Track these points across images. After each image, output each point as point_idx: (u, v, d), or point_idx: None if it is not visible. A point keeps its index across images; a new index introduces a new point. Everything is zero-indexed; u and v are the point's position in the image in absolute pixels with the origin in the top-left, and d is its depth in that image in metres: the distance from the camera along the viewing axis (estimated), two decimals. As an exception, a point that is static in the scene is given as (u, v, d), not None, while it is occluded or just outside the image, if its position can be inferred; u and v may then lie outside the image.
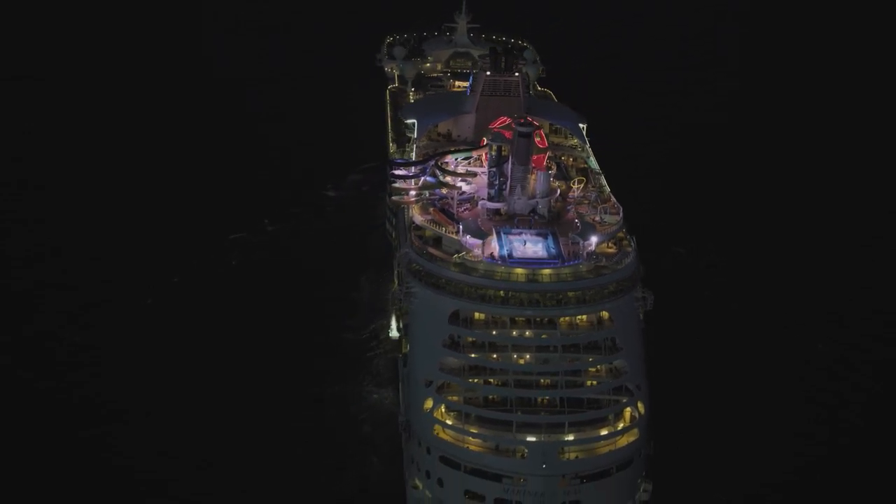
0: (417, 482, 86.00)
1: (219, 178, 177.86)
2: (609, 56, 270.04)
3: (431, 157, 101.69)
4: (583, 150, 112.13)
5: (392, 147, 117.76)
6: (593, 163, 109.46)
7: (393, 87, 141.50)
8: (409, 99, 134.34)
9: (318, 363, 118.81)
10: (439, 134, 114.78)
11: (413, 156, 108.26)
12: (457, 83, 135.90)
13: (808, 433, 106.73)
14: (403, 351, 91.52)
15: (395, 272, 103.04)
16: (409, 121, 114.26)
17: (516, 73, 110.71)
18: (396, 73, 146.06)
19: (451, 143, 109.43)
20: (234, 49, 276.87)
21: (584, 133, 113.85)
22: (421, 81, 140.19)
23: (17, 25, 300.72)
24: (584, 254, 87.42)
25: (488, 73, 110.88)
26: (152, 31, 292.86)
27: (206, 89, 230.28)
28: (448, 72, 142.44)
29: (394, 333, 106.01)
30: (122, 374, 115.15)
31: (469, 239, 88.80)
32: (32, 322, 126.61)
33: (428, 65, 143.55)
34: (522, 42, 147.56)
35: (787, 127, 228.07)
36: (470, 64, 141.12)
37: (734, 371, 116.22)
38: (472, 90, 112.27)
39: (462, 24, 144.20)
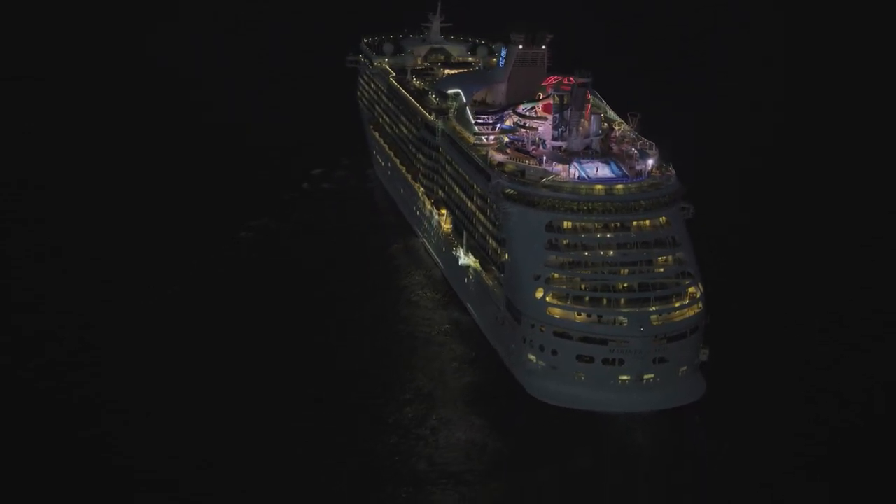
0: (531, 356, 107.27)
1: (216, 177, 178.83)
2: (608, 56, 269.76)
3: (506, 109, 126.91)
4: (599, 107, 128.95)
5: (431, 115, 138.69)
6: (613, 115, 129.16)
7: (393, 77, 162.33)
8: (415, 83, 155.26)
9: (317, 364, 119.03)
10: (475, 101, 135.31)
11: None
12: (445, 71, 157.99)
13: (808, 433, 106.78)
14: (502, 259, 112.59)
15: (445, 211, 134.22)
16: (452, 91, 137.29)
17: (542, 47, 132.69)
18: (387, 65, 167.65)
19: (489, 108, 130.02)
20: (234, 48, 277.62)
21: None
22: (414, 71, 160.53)
23: (16, 25, 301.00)
24: (646, 173, 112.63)
25: (520, 46, 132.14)
26: (149, 31, 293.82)
27: (203, 90, 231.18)
28: (439, 62, 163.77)
29: (464, 261, 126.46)
30: (122, 374, 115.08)
31: (555, 165, 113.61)
32: (32, 322, 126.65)
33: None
34: (481, 41, 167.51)
35: (786, 126, 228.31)
36: (443, 58, 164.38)
37: (733, 370, 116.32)
38: (505, 62, 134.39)
39: (436, 23, 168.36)
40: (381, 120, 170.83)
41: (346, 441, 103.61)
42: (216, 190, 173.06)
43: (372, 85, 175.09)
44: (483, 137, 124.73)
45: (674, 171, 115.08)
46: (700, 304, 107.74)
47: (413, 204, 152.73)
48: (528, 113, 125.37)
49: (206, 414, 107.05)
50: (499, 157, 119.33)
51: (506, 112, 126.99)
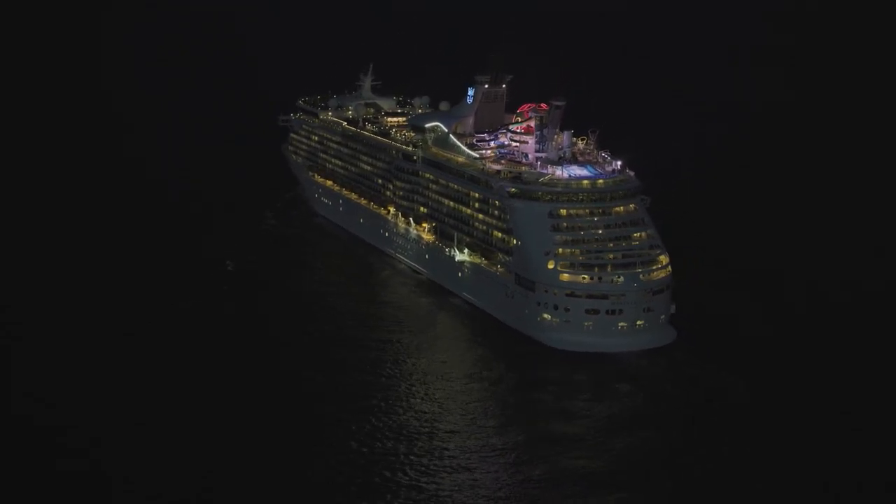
0: (546, 315, 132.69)
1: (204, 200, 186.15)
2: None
3: (500, 129, 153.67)
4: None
5: (409, 147, 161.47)
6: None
7: (347, 124, 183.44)
8: (368, 129, 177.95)
9: (314, 367, 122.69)
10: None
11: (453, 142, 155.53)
12: (388, 119, 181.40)
13: (808, 432, 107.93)
14: (511, 245, 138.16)
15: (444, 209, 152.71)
16: (430, 125, 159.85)
17: (503, 86, 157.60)
18: (333, 117, 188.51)
19: (460, 137, 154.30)
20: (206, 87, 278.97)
21: None
22: (363, 119, 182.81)
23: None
24: (617, 171, 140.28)
25: (486, 86, 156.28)
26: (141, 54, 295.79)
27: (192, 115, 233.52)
28: (381, 113, 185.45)
29: (460, 258, 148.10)
30: (121, 379, 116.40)
31: (550, 167, 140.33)
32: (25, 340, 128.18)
33: (349, 112, 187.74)
34: (401, 98, 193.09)
35: (785, 126, 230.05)
36: (373, 111, 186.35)
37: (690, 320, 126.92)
38: (473, 99, 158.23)
39: (367, 82, 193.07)
40: (328, 165, 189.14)
41: (344, 441, 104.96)
42: (205, 207, 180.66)
43: (314, 137, 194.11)
44: (478, 152, 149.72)
45: (633, 173, 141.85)
46: (669, 269, 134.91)
47: (381, 228, 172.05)
48: (517, 131, 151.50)
49: (206, 417, 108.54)
50: (495, 167, 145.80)
51: (499, 131, 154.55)
